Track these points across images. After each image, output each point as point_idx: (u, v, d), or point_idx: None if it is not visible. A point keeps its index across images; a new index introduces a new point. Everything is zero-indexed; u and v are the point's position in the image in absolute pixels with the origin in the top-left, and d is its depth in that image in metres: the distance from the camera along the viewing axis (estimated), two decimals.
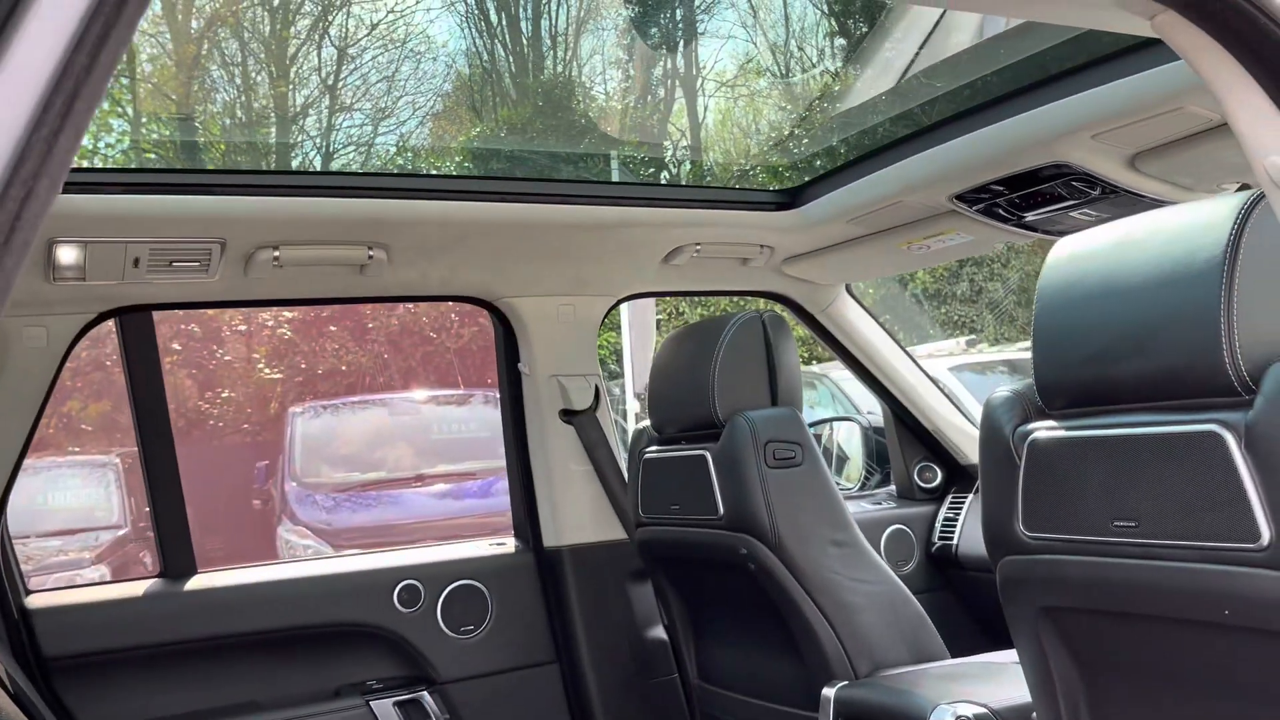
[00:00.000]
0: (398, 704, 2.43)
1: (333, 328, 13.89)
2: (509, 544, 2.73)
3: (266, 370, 13.93)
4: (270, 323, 13.43)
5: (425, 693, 2.47)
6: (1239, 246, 1.20)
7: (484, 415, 9.71)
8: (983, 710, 1.71)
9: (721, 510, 2.11)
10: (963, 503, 3.13)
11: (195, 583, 2.36)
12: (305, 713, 2.35)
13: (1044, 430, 1.42)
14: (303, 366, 13.98)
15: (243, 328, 13.55)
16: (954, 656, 2.15)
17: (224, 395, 13.92)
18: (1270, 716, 1.26)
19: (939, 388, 3.13)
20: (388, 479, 8.80)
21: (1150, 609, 1.29)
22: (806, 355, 9.77)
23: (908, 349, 3.10)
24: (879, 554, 2.27)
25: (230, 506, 9.77)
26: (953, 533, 3.07)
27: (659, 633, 2.68)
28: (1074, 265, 1.41)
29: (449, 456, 9.06)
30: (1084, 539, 1.35)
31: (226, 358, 14.08)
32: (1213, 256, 1.22)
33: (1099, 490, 1.33)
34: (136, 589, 2.32)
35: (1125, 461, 1.30)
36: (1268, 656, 1.21)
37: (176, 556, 2.39)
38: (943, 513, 3.16)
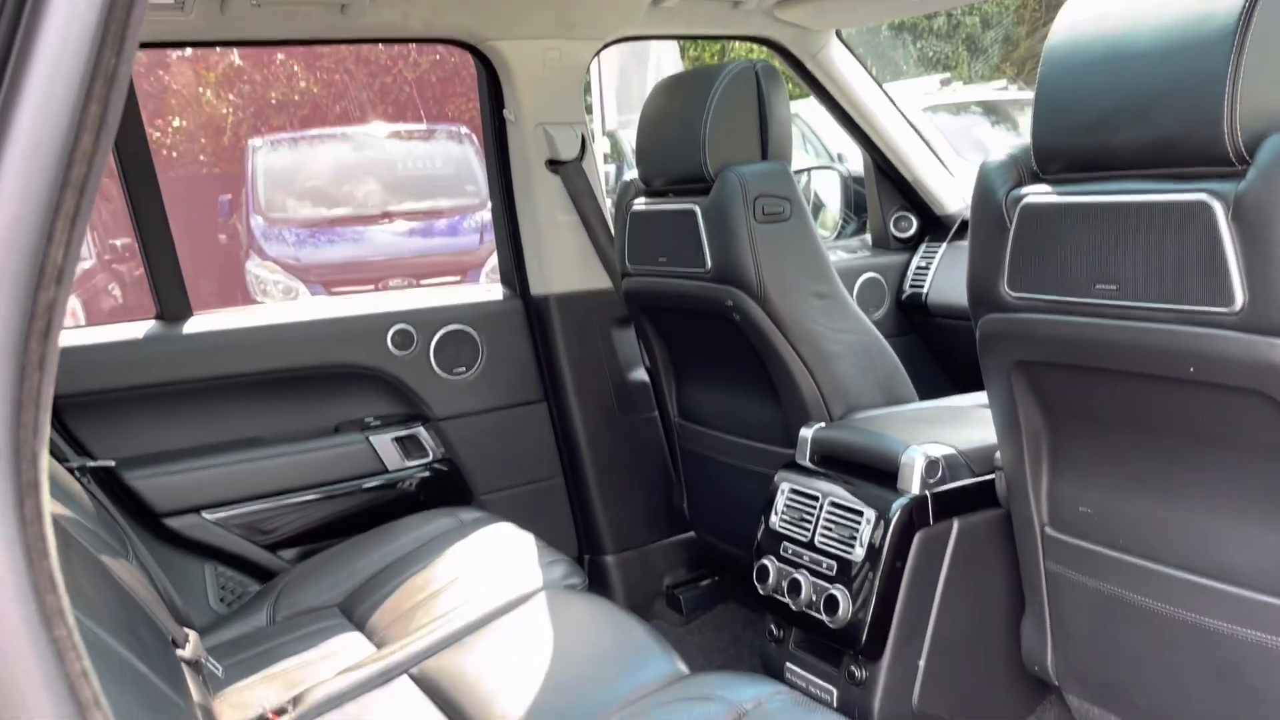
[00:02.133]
0: (396, 439, 2.57)
1: (281, 55, 13.27)
2: (497, 291, 2.79)
3: (213, 100, 13.40)
4: (218, 49, 12.80)
5: (421, 428, 2.61)
6: (1251, 17, 1.20)
7: (449, 151, 9.53)
8: (950, 451, 1.85)
9: (709, 264, 2.16)
10: (935, 252, 3.22)
11: (193, 325, 2.42)
12: (308, 447, 2.48)
13: (1036, 195, 1.47)
14: (252, 95, 13.45)
15: (189, 51, 12.91)
16: (920, 396, 2.30)
17: (175, 124, 13.45)
18: (1213, 452, 1.39)
19: (921, 138, 3.13)
20: (355, 215, 8.75)
21: (1121, 365, 1.40)
22: None
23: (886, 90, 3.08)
24: (853, 300, 2.36)
25: (196, 240, 9.70)
26: (924, 281, 3.17)
27: (641, 375, 2.81)
28: (1082, 29, 1.40)
29: (415, 193, 8.98)
30: (1065, 299, 1.43)
31: (174, 85, 13.49)
32: (1224, 25, 1.22)
33: (1085, 254, 1.40)
34: (136, 331, 2.37)
35: (1113, 227, 1.36)
36: (1221, 407, 1.33)
37: (171, 299, 2.43)
38: (915, 261, 3.25)
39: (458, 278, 8.24)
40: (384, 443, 2.54)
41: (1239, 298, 1.22)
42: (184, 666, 1.45)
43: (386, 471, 2.54)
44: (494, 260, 2.82)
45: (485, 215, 8.23)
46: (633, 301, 2.51)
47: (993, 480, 1.84)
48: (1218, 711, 1.47)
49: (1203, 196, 1.24)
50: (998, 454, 1.78)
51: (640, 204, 2.39)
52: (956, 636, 1.85)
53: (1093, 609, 1.62)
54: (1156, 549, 1.50)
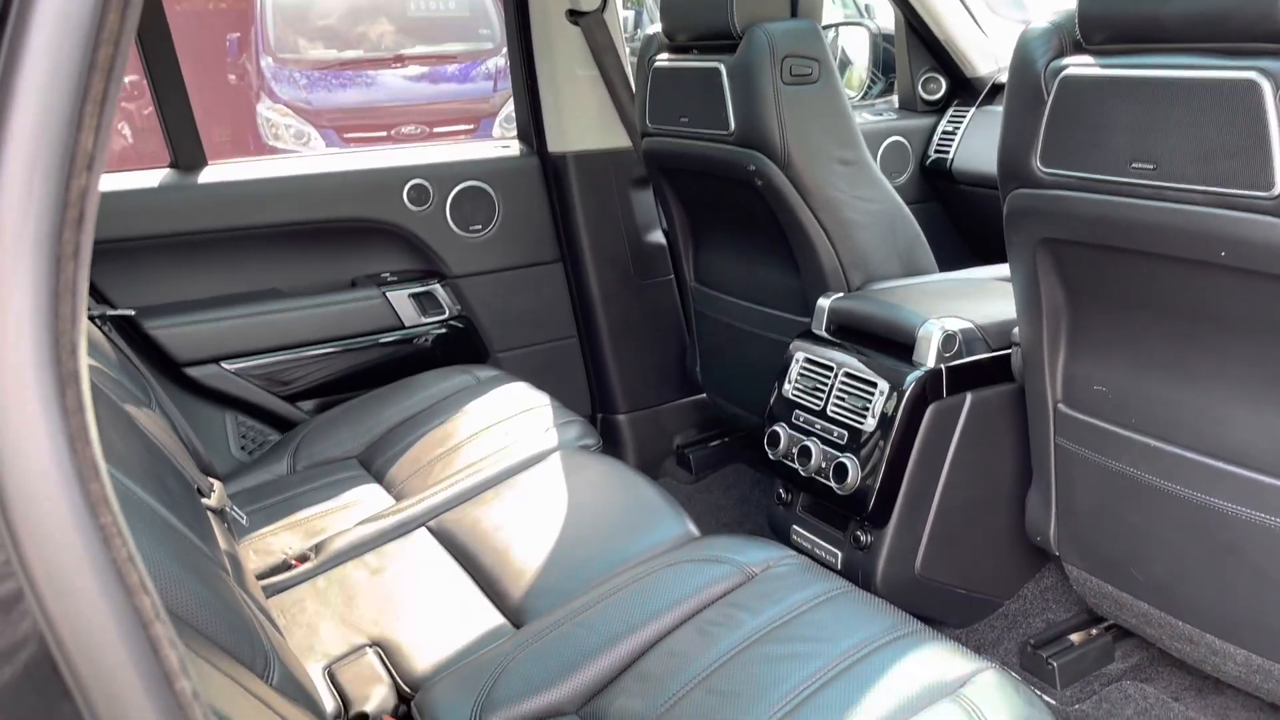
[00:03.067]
0: (412, 295, 2.57)
1: None
2: (514, 147, 2.74)
3: None
4: None
5: (438, 285, 2.61)
6: None
7: None
8: (968, 325, 1.85)
9: (733, 126, 2.11)
10: (963, 116, 3.13)
11: (208, 175, 2.39)
12: (325, 301, 2.49)
13: (1077, 66, 1.42)
14: None
15: None
16: (939, 265, 2.28)
17: None
18: (1234, 338, 1.39)
19: None
20: (366, 58, 8.52)
21: (1151, 247, 1.37)
22: None
23: None
24: (876, 165, 2.31)
25: (205, 82, 9.49)
26: (949, 146, 3.10)
27: (658, 237, 2.78)
28: None
29: (427, 37, 8.72)
30: (1099, 178, 1.40)
31: None
32: None
33: (1123, 131, 1.36)
34: (151, 179, 2.35)
35: (1155, 103, 1.31)
36: (1249, 294, 1.31)
37: (185, 147, 2.40)
38: (942, 125, 3.17)
39: (471, 125, 8.09)
40: (400, 299, 2.55)
41: (1279, 182, 1.19)
42: (210, 515, 1.50)
43: (403, 327, 2.55)
44: (508, 109, 2.76)
45: (500, 61, 8.02)
46: (652, 162, 2.46)
47: (1008, 355, 1.84)
48: (1214, 587, 1.51)
49: (1251, 75, 1.19)
50: (1015, 330, 1.78)
51: (663, 60, 2.31)
52: (962, 506, 1.89)
53: (1099, 485, 1.65)
54: (1168, 430, 1.51)
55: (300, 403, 2.47)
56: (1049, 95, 1.45)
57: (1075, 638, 1.87)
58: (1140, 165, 1.33)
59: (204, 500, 1.57)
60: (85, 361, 0.40)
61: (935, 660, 1.22)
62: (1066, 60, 1.43)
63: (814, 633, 1.31)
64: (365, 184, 2.52)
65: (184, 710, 0.41)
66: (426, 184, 2.55)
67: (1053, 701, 1.81)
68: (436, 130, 7.96)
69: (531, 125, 2.69)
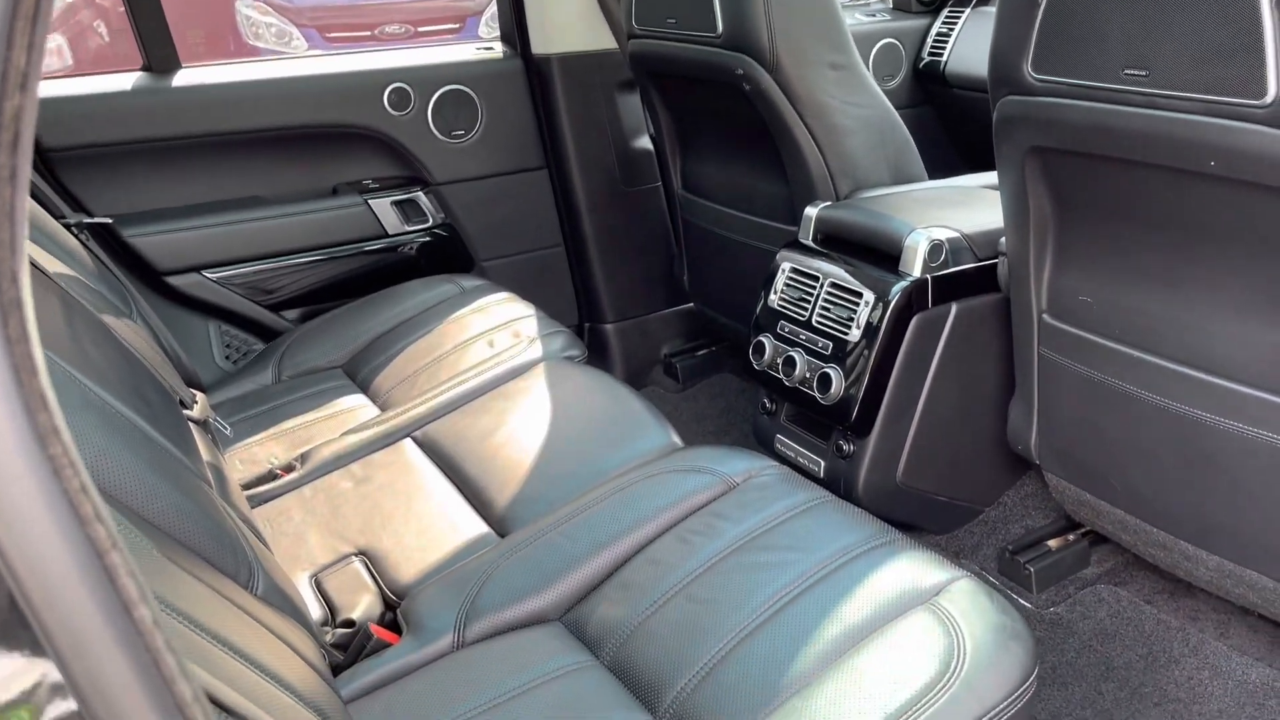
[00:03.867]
0: (395, 203, 2.53)
1: None
2: (497, 49, 2.67)
3: None
4: None
5: (420, 193, 2.57)
6: None
7: None
8: (955, 234, 1.83)
9: (720, 28, 2.05)
10: (959, 16, 3.06)
11: (183, 79, 2.33)
12: (306, 209, 2.45)
13: None
14: None
15: None
16: (929, 172, 2.25)
17: None
18: (1221, 249, 1.38)
19: None
20: None
21: (1141, 156, 1.35)
22: None
23: None
24: (867, 68, 2.25)
25: None
26: (944, 49, 3.03)
27: (645, 143, 2.73)
28: None
29: None
30: (1091, 85, 1.37)
31: None
32: None
33: (1117, 36, 1.32)
34: (124, 82, 2.29)
35: (1150, 7, 1.27)
36: (1238, 204, 1.30)
37: (157, 49, 2.33)
38: (936, 27, 3.10)
39: (456, 25, 7.88)
40: (383, 206, 2.51)
41: (1272, 89, 1.16)
42: (192, 426, 1.50)
43: (386, 235, 2.52)
44: (493, 8, 2.67)
45: None
46: (638, 65, 2.41)
47: (994, 265, 1.83)
48: (1190, 496, 1.53)
49: None
50: (1002, 239, 1.76)
51: None
52: (944, 415, 1.90)
53: (1081, 395, 1.66)
54: (1151, 341, 1.51)
55: (284, 312, 2.46)
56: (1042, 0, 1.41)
57: (1052, 543, 1.91)
58: (1133, 72, 1.30)
59: (186, 412, 1.57)
60: (28, 289, 0.39)
61: (911, 569, 1.24)
62: None
63: (793, 542, 1.33)
64: (344, 88, 2.46)
65: (144, 637, 0.41)
66: (407, 88, 2.49)
67: (1029, 605, 1.85)
68: (421, 30, 7.75)
69: (515, 26, 2.61)
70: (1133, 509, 1.64)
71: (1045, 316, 1.69)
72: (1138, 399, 1.55)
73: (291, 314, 2.47)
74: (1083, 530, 1.93)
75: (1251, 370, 1.39)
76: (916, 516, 1.98)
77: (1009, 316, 1.79)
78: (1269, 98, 1.17)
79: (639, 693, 1.21)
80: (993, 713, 1.04)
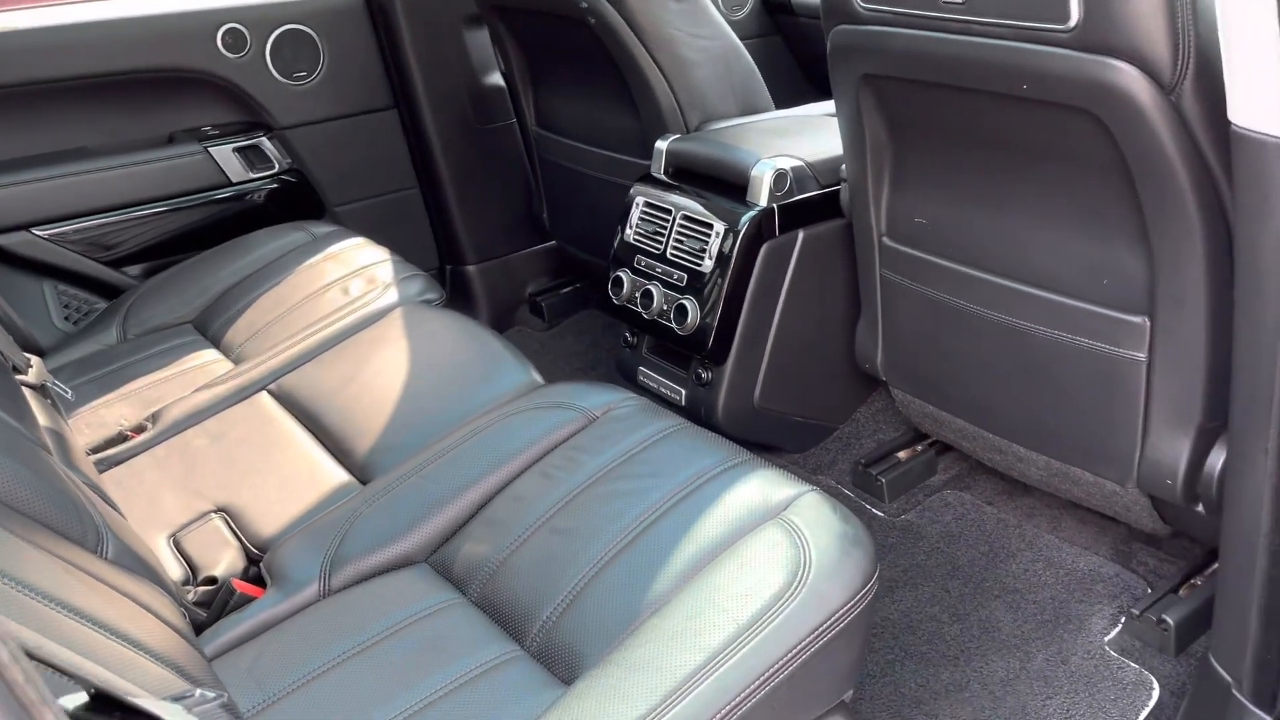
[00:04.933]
0: (237, 149, 2.44)
1: None
2: None
3: None
4: None
5: (264, 138, 2.48)
6: None
7: None
8: (799, 163, 1.88)
9: None
10: None
11: None
12: (141, 159, 2.34)
13: None
14: None
15: None
16: (778, 103, 2.29)
17: None
18: (1040, 168, 1.46)
19: None
20: None
21: (962, 81, 1.41)
22: None
23: None
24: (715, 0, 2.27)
25: None
26: None
27: (496, 80, 2.70)
28: None
29: None
30: (913, 13, 1.42)
31: None
32: None
33: None
34: None
35: None
36: (1051, 125, 1.37)
37: None
38: None
39: None
40: (225, 154, 2.42)
41: (1074, 14, 1.23)
42: (27, 393, 1.44)
43: (231, 184, 2.43)
44: None
45: None
46: (484, 1, 2.36)
47: (837, 192, 1.89)
48: (1021, 401, 1.63)
49: None
50: (844, 166, 1.82)
51: None
52: (796, 339, 1.97)
53: (920, 312, 1.74)
54: (981, 258, 1.60)
55: (126, 268, 2.35)
56: None
57: (901, 455, 2.01)
58: (951, 1, 1.36)
59: (20, 377, 1.50)
60: None
61: (762, 487, 1.29)
62: None
63: (650, 469, 1.37)
64: (172, 30, 2.34)
65: None
66: (242, 28, 2.39)
67: (882, 514, 1.96)
68: None
69: None
70: (971, 417, 1.75)
71: (885, 239, 1.76)
72: (971, 313, 1.63)
73: (134, 270, 2.36)
74: (928, 441, 2.04)
75: (1069, 281, 1.48)
76: (775, 437, 2.06)
77: (853, 241, 1.85)
78: (1071, 22, 1.24)
79: (506, 625, 1.25)
80: (838, 614, 1.11)
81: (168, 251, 2.39)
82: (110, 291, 2.33)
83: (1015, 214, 1.53)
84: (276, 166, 2.49)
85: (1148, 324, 1.42)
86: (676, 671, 1.06)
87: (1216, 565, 1.53)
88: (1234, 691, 1.31)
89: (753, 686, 1.05)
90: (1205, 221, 1.28)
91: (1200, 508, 1.50)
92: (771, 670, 1.06)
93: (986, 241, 1.58)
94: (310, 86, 2.51)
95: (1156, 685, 1.55)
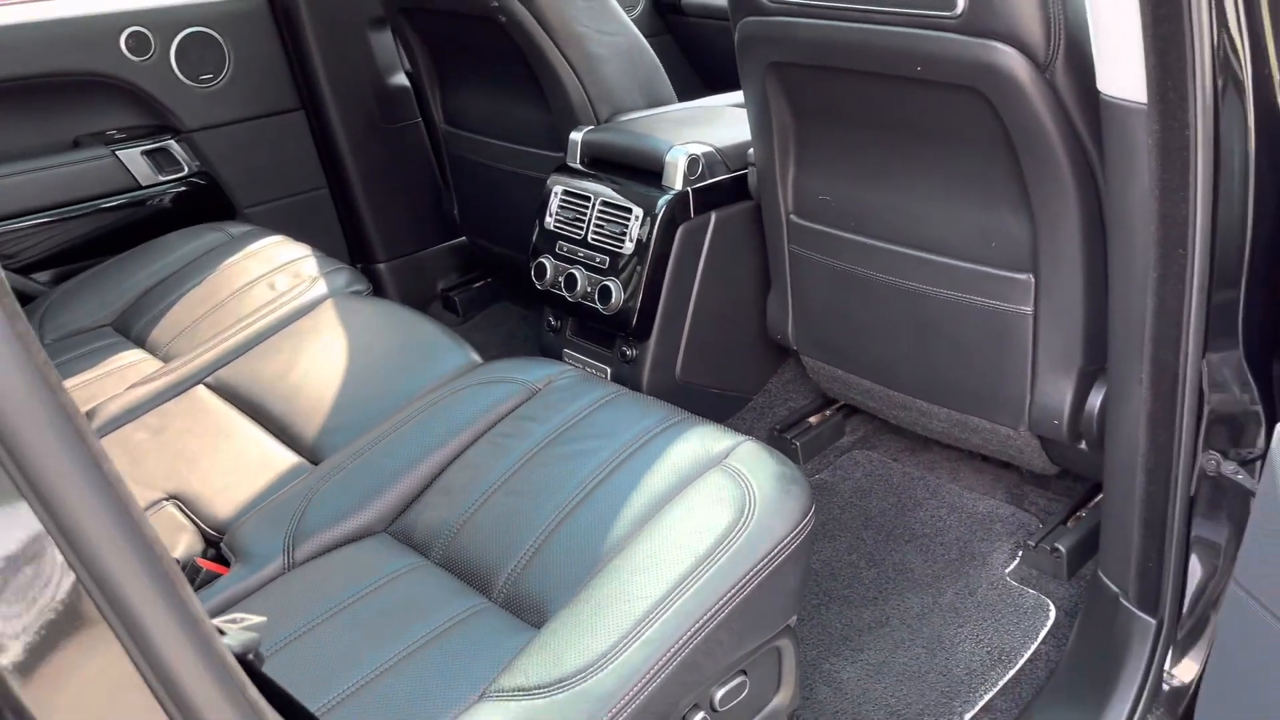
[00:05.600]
0: (145, 153, 2.44)
1: None
2: None
3: None
4: None
5: (172, 141, 2.48)
6: None
7: None
8: (709, 149, 2.00)
9: None
10: None
11: None
12: (45, 164, 2.32)
13: None
14: None
15: None
16: (677, 99, 2.42)
17: None
18: (932, 144, 1.62)
19: None
20: None
21: (861, 65, 1.56)
22: None
23: None
24: None
25: None
26: None
27: (402, 80, 2.75)
28: None
29: None
30: (816, 4, 1.56)
31: None
32: None
33: None
34: None
35: None
36: (943, 104, 1.53)
37: None
38: None
39: None
40: (132, 157, 2.41)
41: (960, 2, 1.38)
42: None
43: (140, 188, 2.43)
44: None
45: None
46: (389, 2, 2.42)
47: (746, 175, 2.02)
48: (920, 359, 1.79)
49: None
50: (751, 151, 1.95)
51: None
52: (713, 315, 2.09)
53: (826, 283, 1.88)
54: (880, 229, 1.75)
55: (35, 274, 2.33)
56: None
57: (813, 419, 2.16)
58: None
59: None
60: None
61: (702, 440, 1.40)
62: None
63: (597, 431, 1.47)
64: (74, 34, 2.32)
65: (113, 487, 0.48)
66: (145, 31, 2.39)
67: None
68: None
69: None
70: (875, 377, 1.90)
71: (792, 217, 1.89)
72: (873, 280, 1.78)
73: (44, 276, 2.34)
74: (837, 405, 2.19)
75: (960, 246, 1.64)
76: (695, 409, 2.14)
77: (762, 220, 1.98)
78: (958, 9, 1.39)
79: (472, 581, 1.32)
80: (783, 543, 1.23)
81: (77, 257, 2.37)
82: (21, 299, 2.30)
83: (911, 187, 1.68)
84: (185, 169, 2.49)
85: (1032, 281, 1.58)
86: (641, 603, 1.16)
87: (1099, 498, 1.72)
88: (1121, 600, 1.48)
89: (712, 611, 1.16)
90: (1079, 186, 1.45)
91: (1083, 444, 1.68)
92: (728, 595, 1.17)
93: (885, 214, 1.73)
94: (217, 89, 2.52)
95: (1053, 607, 1.72)
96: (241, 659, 0.70)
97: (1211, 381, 1.27)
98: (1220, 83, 1.10)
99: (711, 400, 2.18)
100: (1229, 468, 1.30)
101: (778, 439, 2.13)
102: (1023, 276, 1.59)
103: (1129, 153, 1.20)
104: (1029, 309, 1.60)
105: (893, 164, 1.69)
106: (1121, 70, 1.17)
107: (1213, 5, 1.07)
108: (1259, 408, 1.26)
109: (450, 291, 2.92)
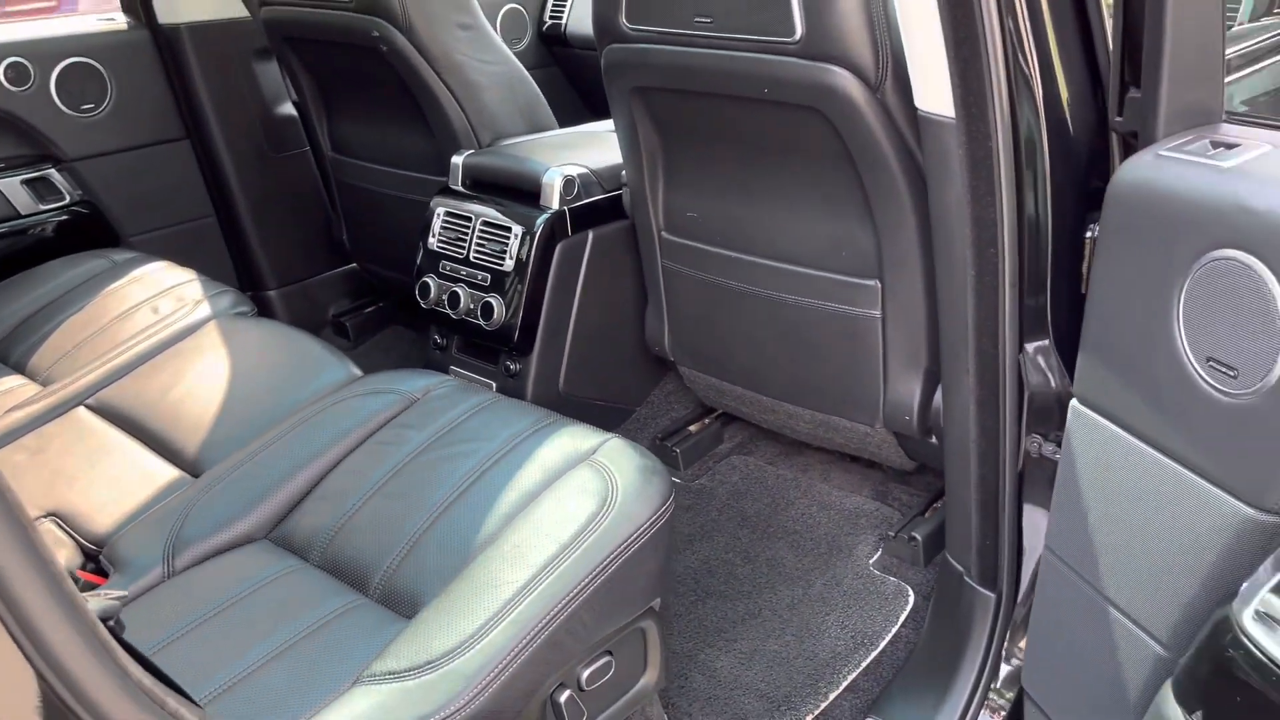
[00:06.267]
0: (25, 182, 2.43)
1: None
2: (119, 20, 2.61)
3: None
4: None
5: (53, 170, 2.48)
6: None
7: None
8: (585, 170, 2.10)
9: None
10: None
11: None
12: None
13: None
14: None
15: None
16: (561, 126, 2.51)
17: None
18: (784, 161, 1.73)
19: None
20: None
21: (715, 88, 1.67)
22: None
23: None
24: (495, 32, 2.46)
25: None
26: (562, 13, 3.31)
27: (289, 109, 2.79)
28: None
29: None
30: (671, 31, 1.67)
31: None
32: None
33: None
34: None
35: None
36: (789, 123, 1.65)
37: None
38: None
39: (50, 3, 7.20)
40: (11, 186, 2.40)
41: (798, 29, 1.50)
42: None
43: (19, 217, 2.42)
44: None
45: None
46: (274, 32, 2.47)
47: (620, 195, 2.12)
48: (785, 363, 1.90)
49: None
50: (624, 172, 2.05)
51: None
52: (594, 330, 2.18)
53: (697, 295, 1.99)
54: (742, 242, 1.86)
55: None
56: None
57: (693, 428, 2.25)
58: (701, 19, 1.61)
59: None
60: None
61: (572, 439, 1.48)
62: None
63: (473, 435, 1.53)
64: None
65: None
66: (24, 62, 2.39)
67: (679, 480, 2.19)
68: (8, 9, 7.01)
69: None
70: (745, 383, 2.00)
71: (664, 233, 2.00)
72: (738, 291, 1.89)
73: None
74: (715, 414, 2.29)
75: (813, 255, 1.76)
76: (580, 421, 2.25)
77: (637, 238, 2.08)
78: (797, 35, 1.51)
79: (349, 580, 1.37)
80: (643, 527, 1.31)
81: None
82: None
83: (768, 201, 1.80)
84: (67, 198, 2.49)
85: (879, 286, 1.71)
86: (508, 587, 1.23)
87: None
88: (965, 579, 1.60)
89: (576, 590, 1.23)
90: (913, 195, 1.58)
91: (934, 439, 1.80)
92: (591, 576, 1.25)
93: (747, 227, 1.85)
94: (99, 118, 2.52)
95: (912, 592, 1.84)
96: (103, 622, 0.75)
97: (1029, 370, 1.40)
98: (1016, 99, 1.24)
99: (596, 412, 2.26)
100: (1049, 449, 1.43)
101: (659, 447, 2.22)
102: (870, 282, 1.71)
103: (944, 162, 1.33)
104: (877, 313, 1.72)
105: (751, 180, 1.80)
106: (932, 88, 1.29)
107: (1006, 29, 1.21)
108: (1070, 393, 1.40)
109: (341, 317, 2.95)
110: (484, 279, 2.11)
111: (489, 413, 1.59)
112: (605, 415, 2.29)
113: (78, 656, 0.64)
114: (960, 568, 1.61)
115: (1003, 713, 1.56)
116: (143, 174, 2.62)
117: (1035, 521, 1.51)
